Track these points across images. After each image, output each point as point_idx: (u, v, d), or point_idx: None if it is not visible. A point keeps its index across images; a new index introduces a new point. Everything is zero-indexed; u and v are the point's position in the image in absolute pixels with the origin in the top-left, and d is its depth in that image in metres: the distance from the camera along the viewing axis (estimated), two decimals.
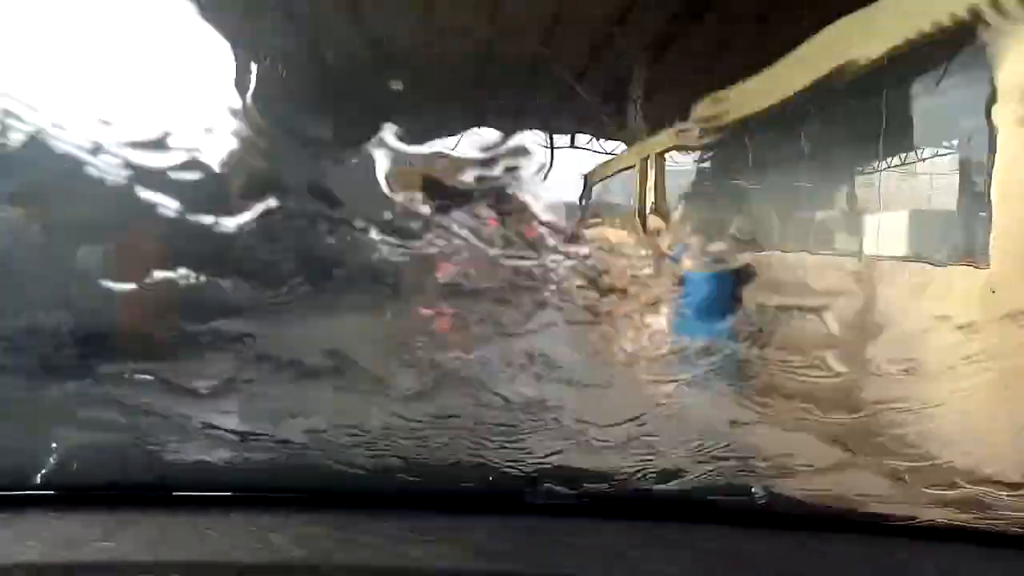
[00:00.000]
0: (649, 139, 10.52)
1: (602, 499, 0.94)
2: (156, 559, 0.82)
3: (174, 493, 0.96)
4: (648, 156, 10.76)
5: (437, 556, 0.81)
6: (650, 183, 10.55)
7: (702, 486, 0.95)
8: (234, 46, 9.30)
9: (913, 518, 0.92)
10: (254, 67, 10.08)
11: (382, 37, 11.80)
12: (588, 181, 16.99)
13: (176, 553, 0.83)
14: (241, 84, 9.67)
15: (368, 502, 0.94)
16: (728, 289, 5.54)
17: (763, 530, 0.90)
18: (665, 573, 0.79)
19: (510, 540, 0.85)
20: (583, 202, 16.46)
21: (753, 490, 0.93)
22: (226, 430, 1.16)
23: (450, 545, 0.83)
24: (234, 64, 9.34)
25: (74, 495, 0.94)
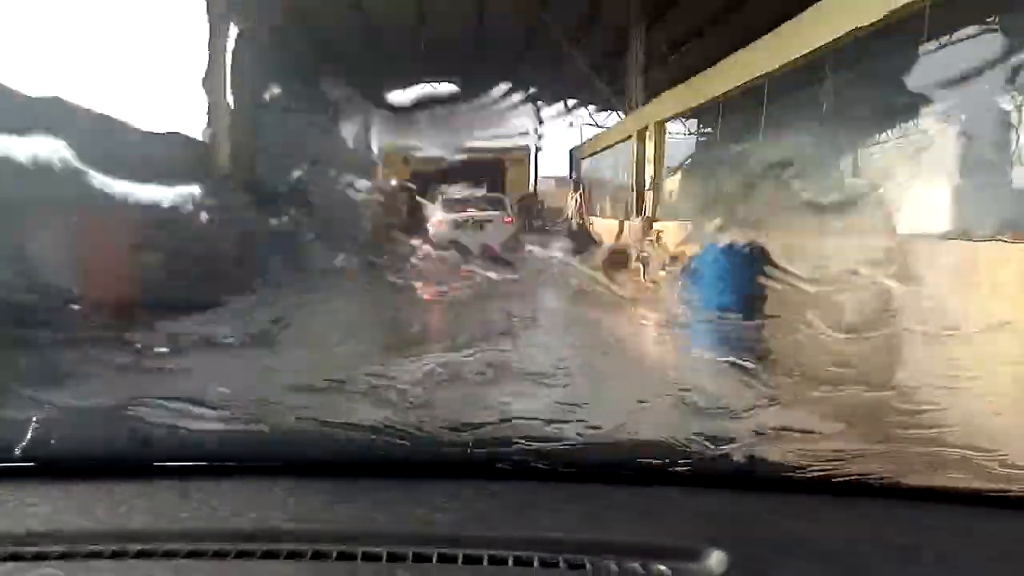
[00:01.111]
0: (650, 105, 10.40)
1: (585, 463, 0.97)
2: (136, 528, 0.85)
3: (155, 464, 0.99)
4: (647, 126, 10.66)
5: (423, 522, 0.84)
6: (649, 155, 10.47)
7: (678, 449, 0.98)
8: (217, 17, 9.22)
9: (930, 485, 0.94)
10: (238, 39, 9.99)
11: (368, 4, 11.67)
12: (575, 156, 16.76)
13: (158, 522, 0.86)
14: (224, 57, 9.57)
15: (351, 470, 0.97)
16: (742, 278, 5.10)
17: (741, 492, 0.93)
18: (652, 533, 0.82)
19: (493, 506, 0.89)
20: (573, 178, 16.30)
21: (737, 456, 0.95)
22: (207, 403, 1.19)
23: (434, 511, 0.86)
24: (217, 37, 9.27)
25: (54, 466, 0.96)
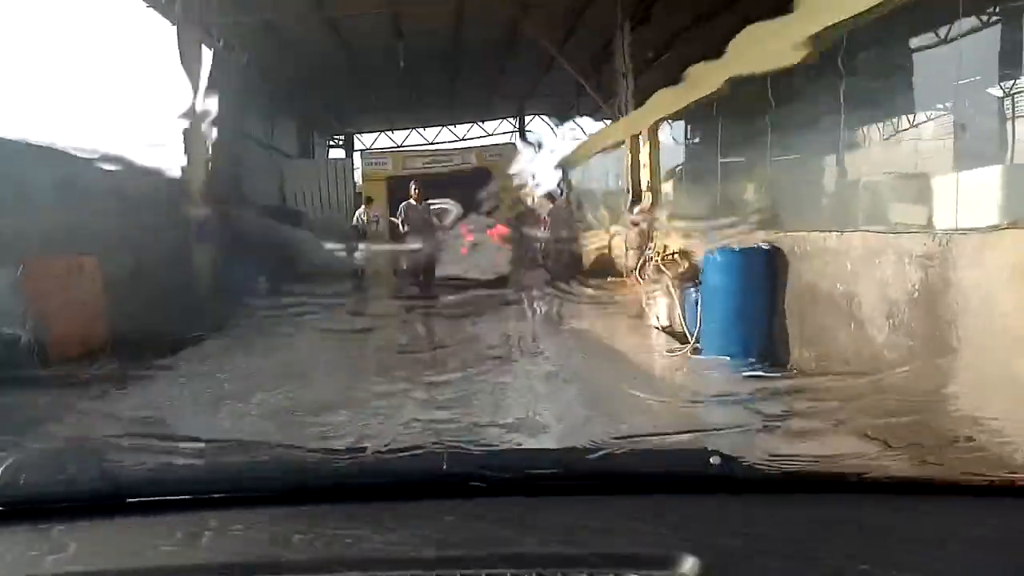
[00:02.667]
0: (643, 108, 10.39)
1: (557, 476, 0.99)
2: (112, 567, 0.86)
3: (128, 500, 1.01)
4: (639, 131, 10.68)
5: (395, 545, 0.86)
6: (643, 160, 10.47)
7: (660, 457, 1.00)
8: (192, 38, 9.29)
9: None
10: (214, 58, 10.03)
11: (345, 17, 11.72)
12: (565, 165, 16.47)
13: (135, 561, 0.87)
14: (200, 79, 9.62)
15: (322, 495, 0.99)
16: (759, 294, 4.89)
17: (725, 496, 0.95)
18: (625, 543, 0.84)
19: (465, 524, 0.91)
20: (561, 189, 15.95)
21: (712, 460, 0.98)
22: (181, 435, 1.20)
23: (408, 533, 0.88)
24: (194, 58, 9.34)
25: (24, 508, 0.98)
